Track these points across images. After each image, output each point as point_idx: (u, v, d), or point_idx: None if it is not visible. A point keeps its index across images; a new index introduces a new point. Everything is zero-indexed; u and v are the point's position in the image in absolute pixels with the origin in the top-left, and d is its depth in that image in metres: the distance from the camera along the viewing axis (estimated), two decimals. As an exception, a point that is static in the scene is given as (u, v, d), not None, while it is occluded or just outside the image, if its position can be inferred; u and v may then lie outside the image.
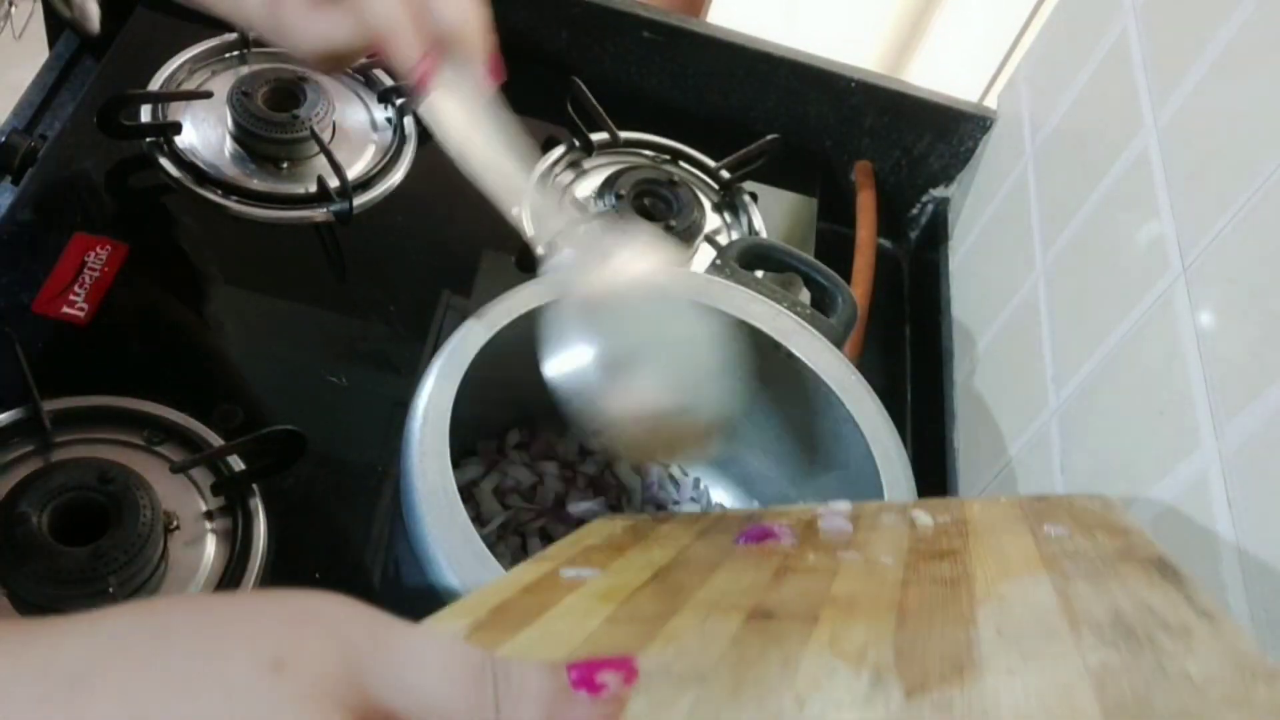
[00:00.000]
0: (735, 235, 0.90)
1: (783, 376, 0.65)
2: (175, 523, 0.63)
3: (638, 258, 0.54)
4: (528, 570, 0.41)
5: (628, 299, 0.53)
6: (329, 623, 0.27)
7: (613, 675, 0.28)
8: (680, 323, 0.56)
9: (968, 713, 0.26)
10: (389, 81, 0.89)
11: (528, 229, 0.54)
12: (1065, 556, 0.38)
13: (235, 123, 0.82)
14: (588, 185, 0.89)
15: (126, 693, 0.24)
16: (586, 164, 0.90)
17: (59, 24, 0.89)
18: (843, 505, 0.53)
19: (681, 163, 0.93)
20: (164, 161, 0.80)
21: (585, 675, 0.27)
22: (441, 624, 0.34)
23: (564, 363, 0.51)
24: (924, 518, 0.48)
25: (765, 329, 0.64)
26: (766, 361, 0.65)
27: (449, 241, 0.84)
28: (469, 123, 0.53)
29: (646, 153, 0.93)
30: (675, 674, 0.30)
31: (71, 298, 0.71)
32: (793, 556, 0.43)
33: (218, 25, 0.88)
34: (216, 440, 0.66)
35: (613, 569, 0.42)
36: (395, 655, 0.27)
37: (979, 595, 0.35)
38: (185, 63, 0.85)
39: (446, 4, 0.50)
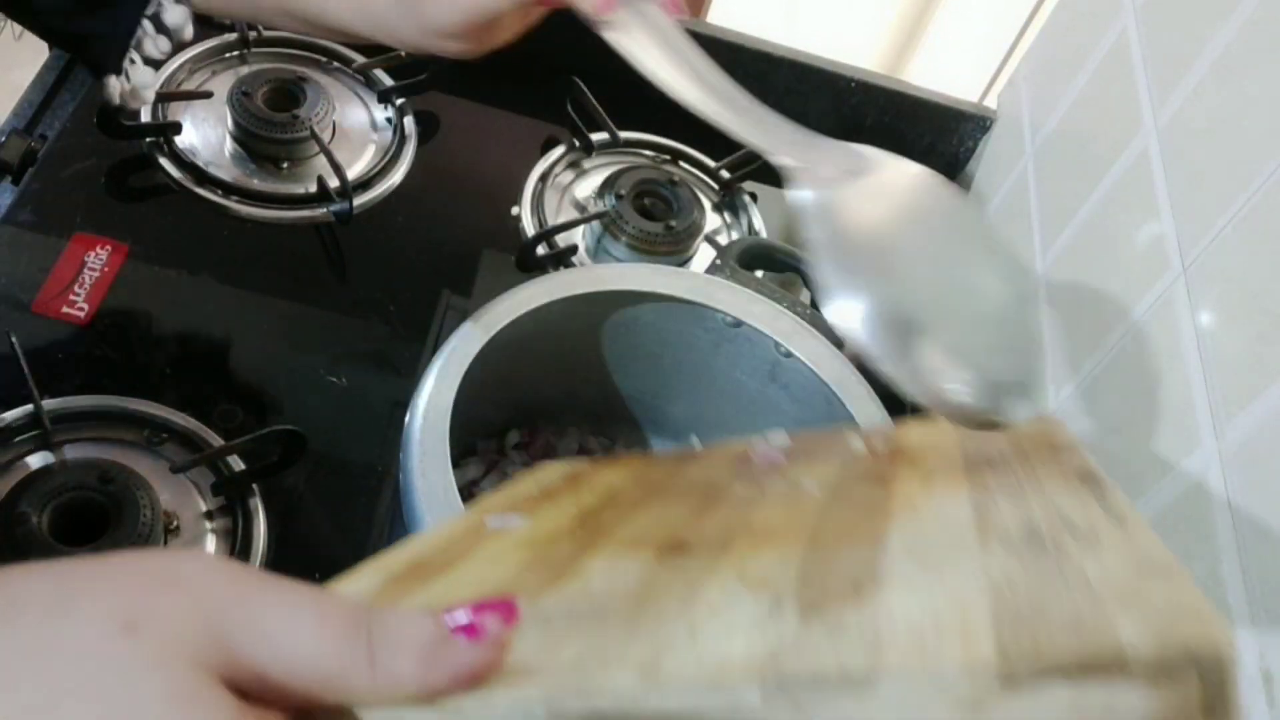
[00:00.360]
0: (735, 235, 0.90)
1: (783, 377, 0.66)
2: (175, 523, 0.63)
3: (903, 177, 0.44)
4: (456, 523, 0.41)
5: (902, 235, 0.43)
6: (188, 582, 0.26)
7: (492, 618, 0.27)
8: (969, 250, 0.44)
9: (860, 630, 0.26)
10: (389, 81, 0.89)
11: (762, 151, 0.45)
12: (990, 471, 0.38)
13: (235, 123, 0.82)
14: (588, 185, 0.89)
15: None
16: (586, 164, 0.90)
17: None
18: (778, 436, 0.48)
19: (681, 163, 0.93)
20: (164, 161, 0.80)
21: (463, 620, 0.27)
22: (357, 580, 0.33)
23: (848, 318, 0.40)
24: (858, 444, 0.46)
25: (765, 329, 0.64)
26: (772, 364, 0.66)
27: (449, 241, 0.84)
28: (663, 52, 0.48)
29: (646, 153, 0.93)
30: (574, 613, 0.30)
31: (71, 298, 0.71)
32: (717, 488, 0.43)
33: (218, 25, 0.88)
34: (216, 440, 0.66)
35: (539, 515, 0.41)
36: (262, 612, 0.26)
37: (894, 514, 0.35)
38: (185, 63, 0.85)
39: None
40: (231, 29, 0.87)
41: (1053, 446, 0.41)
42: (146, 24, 0.57)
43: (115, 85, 0.57)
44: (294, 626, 0.26)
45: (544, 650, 0.27)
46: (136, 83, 0.58)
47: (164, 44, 0.58)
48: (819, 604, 0.28)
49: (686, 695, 0.25)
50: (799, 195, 0.42)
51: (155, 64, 0.59)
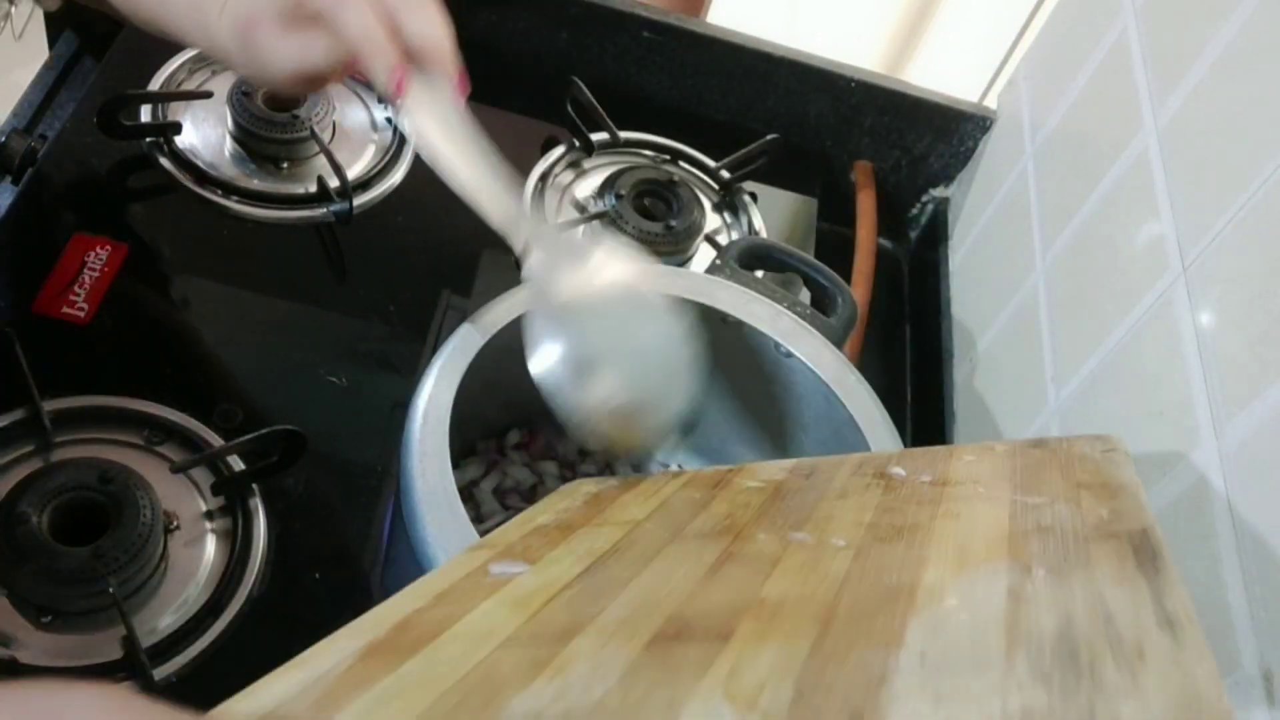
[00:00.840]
0: (735, 235, 0.90)
1: (783, 377, 0.66)
2: (175, 523, 0.63)
3: (607, 263, 0.56)
4: (460, 564, 0.39)
5: (596, 302, 0.55)
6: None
7: None
8: (648, 321, 0.58)
9: None
10: (389, 81, 0.89)
11: (507, 235, 0.56)
12: (1037, 533, 0.35)
13: (235, 123, 0.82)
14: (588, 185, 0.89)
15: None
16: (586, 164, 0.90)
17: (59, 24, 0.89)
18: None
19: (681, 163, 0.93)
20: (164, 161, 0.80)
21: None
22: (331, 648, 0.32)
23: (542, 361, 0.53)
24: (899, 472, 0.45)
25: (765, 329, 0.64)
26: (768, 363, 0.66)
27: (449, 241, 0.84)
28: (444, 133, 0.55)
29: (646, 153, 0.93)
30: (546, 718, 0.28)
31: (71, 298, 0.71)
32: (743, 536, 0.41)
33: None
34: (216, 440, 0.66)
35: (545, 560, 0.40)
36: None
37: (919, 601, 0.32)
38: (185, 63, 0.85)
39: (415, 20, 0.52)
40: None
41: (1106, 489, 0.38)
42: None
43: None
44: None
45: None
46: None
47: None
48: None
49: None
50: (528, 271, 0.54)
51: None
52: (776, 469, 0.51)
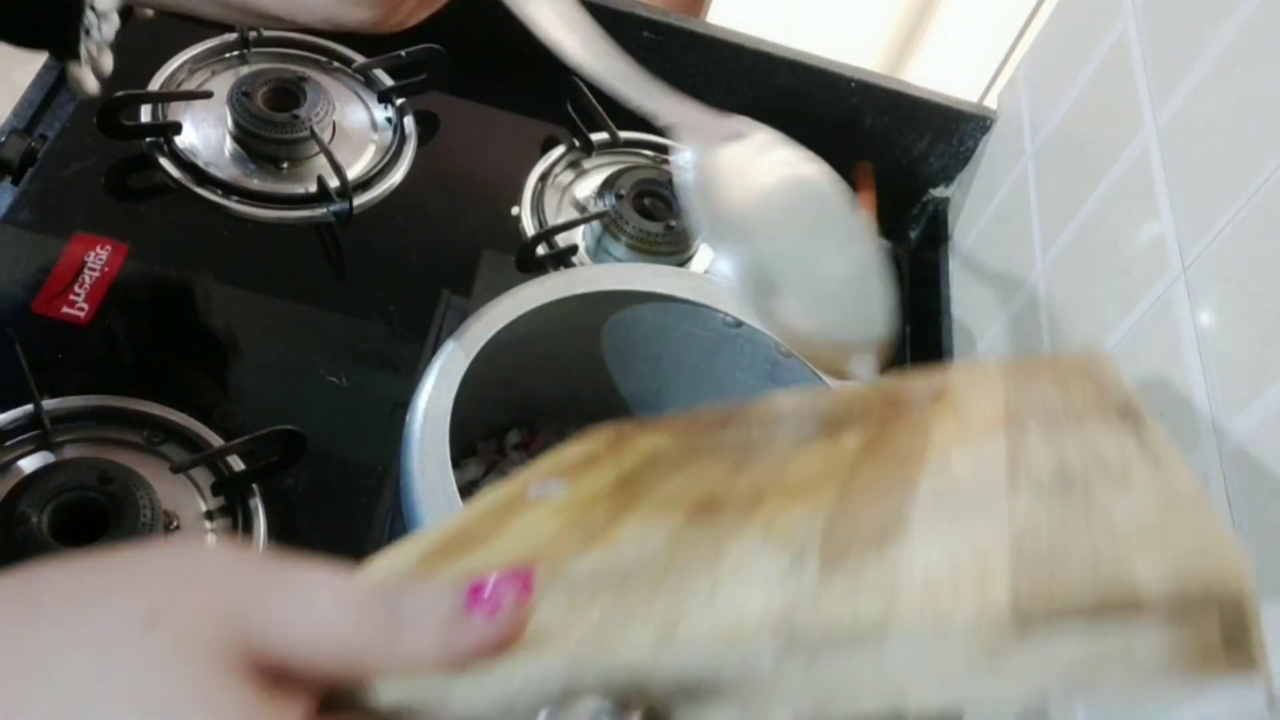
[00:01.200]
0: (735, 235, 0.89)
1: (783, 377, 0.66)
2: (175, 523, 0.63)
3: (773, 156, 0.49)
4: (498, 493, 0.41)
5: (766, 209, 0.49)
6: (206, 572, 0.27)
7: (509, 588, 0.27)
8: (827, 228, 0.50)
9: (878, 582, 0.26)
10: (389, 81, 0.89)
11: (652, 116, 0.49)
12: (1029, 409, 0.38)
13: (235, 123, 0.82)
14: (588, 185, 0.89)
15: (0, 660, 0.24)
16: (586, 164, 0.90)
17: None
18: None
19: (681, 163, 0.93)
20: (164, 161, 0.80)
21: (478, 593, 0.27)
22: (395, 555, 0.33)
23: (723, 268, 0.49)
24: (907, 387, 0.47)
25: (765, 329, 0.64)
26: (768, 363, 0.66)
27: (449, 241, 0.84)
28: (561, 16, 0.51)
29: (646, 153, 0.93)
30: (600, 578, 0.29)
31: (71, 298, 0.71)
32: (757, 444, 0.42)
33: (217, 25, 0.88)
34: (216, 440, 0.66)
35: (579, 479, 0.41)
36: (279, 599, 0.26)
37: (928, 462, 0.34)
38: (185, 63, 0.85)
39: None
40: (232, 29, 0.87)
41: (1098, 383, 0.40)
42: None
43: (82, 68, 0.57)
44: (310, 610, 0.26)
45: (566, 617, 0.27)
46: (96, 59, 0.58)
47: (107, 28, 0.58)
48: (841, 556, 0.27)
49: (699, 657, 0.25)
50: (682, 154, 0.48)
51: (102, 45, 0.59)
52: (783, 402, 0.52)
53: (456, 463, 0.55)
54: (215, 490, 0.64)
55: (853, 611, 0.25)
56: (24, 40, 0.57)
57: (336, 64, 0.90)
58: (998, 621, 0.24)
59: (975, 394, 0.43)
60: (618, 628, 0.27)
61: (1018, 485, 0.31)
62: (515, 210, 0.85)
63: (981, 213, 0.92)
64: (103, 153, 0.80)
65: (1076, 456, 0.32)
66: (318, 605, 0.27)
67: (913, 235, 1.03)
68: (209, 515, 0.64)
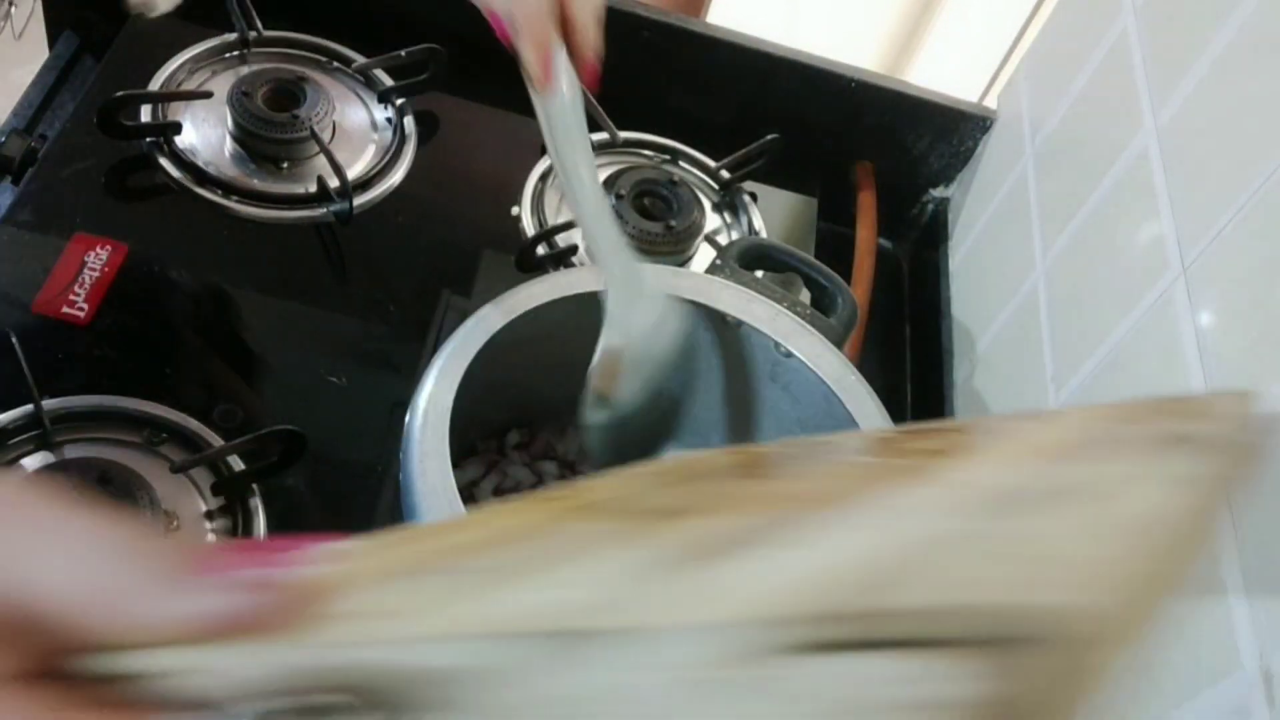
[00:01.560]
0: (735, 235, 0.90)
1: (783, 377, 0.66)
2: (175, 523, 0.63)
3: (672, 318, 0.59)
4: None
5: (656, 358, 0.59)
6: None
7: (260, 561, 0.25)
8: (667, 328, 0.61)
9: (706, 585, 0.23)
10: (389, 81, 0.89)
11: (596, 262, 0.58)
12: (1073, 446, 0.34)
13: (235, 123, 0.82)
14: (588, 185, 0.88)
15: None
16: (586, 164, 0.90)
17: (59, 23, 0.89)
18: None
19: (681, 163, 0.93)
20: (164, 161, 0.80)
21: (224, 563, 0.25)
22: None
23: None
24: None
25: (765, 329, 0.64)
26: (768, 363, 0.66)
27: (449, 241, 0.84)
28: (568, 136, 0.55)
29: (646, 153, 0.93)
30: (463, 570, 0.26)
31: (71, 298, 0.71)
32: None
33: (217, 25, 0.88)
34: (216, 440, 0.66)
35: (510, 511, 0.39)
36: (28, 540, 0.25)
37: (890, 486, 0.30)
38: (185, 63, 0.85)
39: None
40: (231, 29, 0.87)
41: (1200, 416, 0.36)
42: None
43: None
44: (52, 556, 0.25)
45: (385, 601, 0.25)
46: None
47: None
48: (702, 557, 0.25)
49: (446, 651, 0.23)
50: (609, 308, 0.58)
51: None
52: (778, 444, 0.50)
53: (456, 463, 0.54)
54: (215, 490, 0.64)
55: (640, 614, 0.23)
56: None
57: (336, 64, 0.90)
58: (773, 633, 0.22)
59: (1010, 434, 0.39)
60: (413, 614, 0.25)
61: (948, 505, 0.27)
62: (515, 210, 0.85)
63: (981, 213, 0.92)
64: (103, 153, 0.80)
65: (1058, 480, 0.29)
66: (63, 552, 0.25)
67: (913, 235, 1.03)
68: (209, 515, 0.64)
